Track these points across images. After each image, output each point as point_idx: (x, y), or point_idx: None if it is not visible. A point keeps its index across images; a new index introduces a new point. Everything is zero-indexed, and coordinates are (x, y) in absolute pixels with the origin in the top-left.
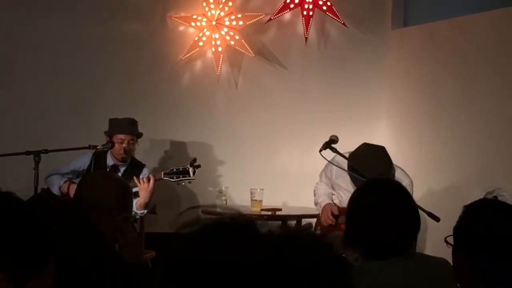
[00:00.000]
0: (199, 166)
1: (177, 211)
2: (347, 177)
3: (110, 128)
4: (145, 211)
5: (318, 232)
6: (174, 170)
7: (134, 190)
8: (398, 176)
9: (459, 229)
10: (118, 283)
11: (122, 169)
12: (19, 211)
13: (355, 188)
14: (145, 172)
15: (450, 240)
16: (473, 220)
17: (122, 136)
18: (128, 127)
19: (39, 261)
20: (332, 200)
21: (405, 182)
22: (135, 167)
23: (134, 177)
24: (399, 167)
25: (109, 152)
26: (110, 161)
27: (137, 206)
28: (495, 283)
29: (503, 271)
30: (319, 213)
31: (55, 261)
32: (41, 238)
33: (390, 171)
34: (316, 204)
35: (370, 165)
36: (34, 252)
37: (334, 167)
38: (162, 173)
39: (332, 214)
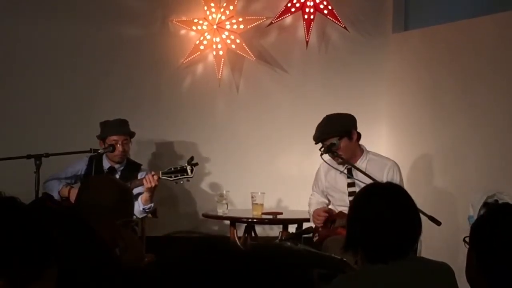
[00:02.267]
0: (196, 164)
1: (177, 215)
2: (339, 177)
3: (102, 131)
4: (152, 205)
5: (316, 238)
6: (172, 169)
7: (135, 192)
8: (381, 160)
9: (475, 229)
10: (118, 287)
11: (119, 171)
12: (21, 217)
13: (345, 185)
14: (142, 172)
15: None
16: (489, 223)
17: (115, 137)
18: (120, 127)
19: (40, 266)
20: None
21: (388, 165)
22: (132, 168)
23: (143, 179)
24: (379, 154)
25: (104, 155)
26: (106, 163)
27: (143, 201)
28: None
29: (509, 277)
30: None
31: (57, 266)
32: (42, 243)
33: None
34: (309, 214)
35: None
36: (35, 257)
37: (321, 169)
38: (160, 172)
39: (323, 212)
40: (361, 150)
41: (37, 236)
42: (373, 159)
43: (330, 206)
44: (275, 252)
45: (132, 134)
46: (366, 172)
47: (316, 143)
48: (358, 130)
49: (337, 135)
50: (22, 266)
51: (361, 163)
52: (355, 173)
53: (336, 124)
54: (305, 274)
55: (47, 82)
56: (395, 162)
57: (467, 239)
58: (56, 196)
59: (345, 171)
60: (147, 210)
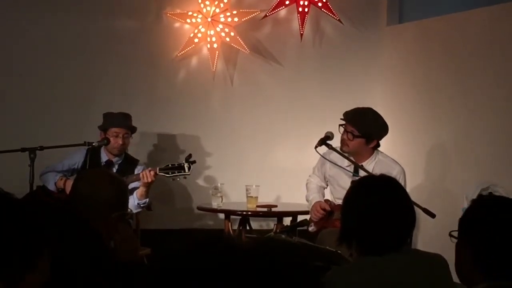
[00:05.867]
0: (194, 161)
1: (171, 208)
2: (341, 173)
3: (104, 122)
4: (147, 200)
5: (311, 228)
6: (169, 165)
7: (130, 187)
8: (389, 164)
9: (465, 223)
10: (113, 280)
11: (116, 165)
12: (8, 208)
13: (349, 183)
14: (139, 168)
15: (455, 234)
16: (480, 215)
17: (117, 130)
18: (123, 120)
19: (31, 258)
20: (324, 195)
21: (395, 171)
22: (129, 163)
23: (140, 173)
24: (389, 157)
25: (103, 147)
26: (104, 156)
27: (138, 196)
28: (497, 278)
29: (506, 267)
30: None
31: (50, 257)
32: (32, 235)
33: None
34: (307, 200)
35: None
36: (25, 250)
37: (328, 162)
38: (157, 168)
39: (323, 209)
40: (370, 153)
41: (25, 229)
42: (382, 161)
43: (329, 197)
44: (274, 246)
45: (133, 129)
46: (372, 173)
47: (342, 119)
48: (380, 140)
49: (359, 130)
50: (14, 261)
51: (368, 164)
52: (361, 171)
53: (367, 122)
54: (306, 267)
55: (42, 75)
56: (402, 169)
57: (454, 233)
58: (52, 187)
59: (351, 168)
60: (142, 205)
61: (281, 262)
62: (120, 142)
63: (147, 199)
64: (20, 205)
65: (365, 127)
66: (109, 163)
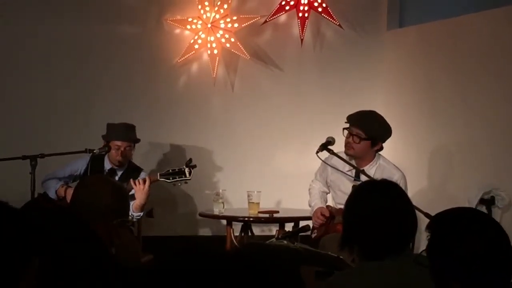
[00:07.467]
0: (194, 166)
1: (173, 214)
2: (343, 178)
3: (107, 133)
4: (142, 213)
5: (314, 234)
6: (170, 171)
7: (130, 193)
8: (390, 169)
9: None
10: (114, 285)
11: (119, 173)
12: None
13: (350, 188)
14: (143, 175)
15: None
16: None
17: (118, 143)
18: (125, 133)
19: (17, 269)
20: (326, 201)
21: (396, 177)
22: (132, 171)
23: (131, 180)
24: (390, 162)
25: (106, 156)
26: (107, 164)
27: (133, 208)
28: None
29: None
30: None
31: (39, 264)
32: (18, 244)
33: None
34: (310, 206)
35: None
36: (10, 260)
37: (329, 167)
38: (158, 174)
39: (323, 215)
40: (373, 156)
41: (10, 238)
42: (383, 166)
43: (330, 202)
44: (267, 251)
45: (136, 141)
46: (373, 178)
47: (346, 122)
48: (383, 142)
49: (365, 133)
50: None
51: (369, 168)
52: (362, 176)
53: (374, 124)
54: (293, 272)
55: (42, 82)
56: (403, 175)
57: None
58: (52, 195)
59: (352, 173)
60: (136, 218)
61: (266, 266)
62: (120, 156)
63: (141, 213)
64: (13, 211)
65: (371, 129)
66: (112, 171)
